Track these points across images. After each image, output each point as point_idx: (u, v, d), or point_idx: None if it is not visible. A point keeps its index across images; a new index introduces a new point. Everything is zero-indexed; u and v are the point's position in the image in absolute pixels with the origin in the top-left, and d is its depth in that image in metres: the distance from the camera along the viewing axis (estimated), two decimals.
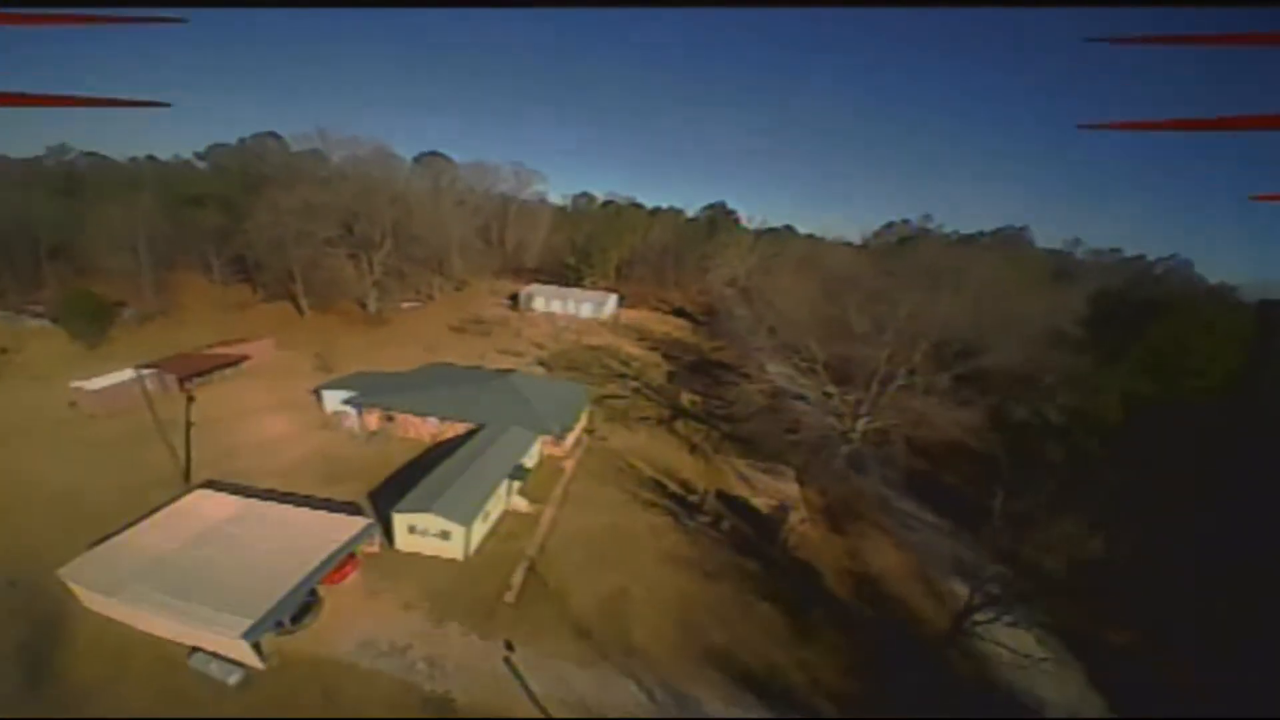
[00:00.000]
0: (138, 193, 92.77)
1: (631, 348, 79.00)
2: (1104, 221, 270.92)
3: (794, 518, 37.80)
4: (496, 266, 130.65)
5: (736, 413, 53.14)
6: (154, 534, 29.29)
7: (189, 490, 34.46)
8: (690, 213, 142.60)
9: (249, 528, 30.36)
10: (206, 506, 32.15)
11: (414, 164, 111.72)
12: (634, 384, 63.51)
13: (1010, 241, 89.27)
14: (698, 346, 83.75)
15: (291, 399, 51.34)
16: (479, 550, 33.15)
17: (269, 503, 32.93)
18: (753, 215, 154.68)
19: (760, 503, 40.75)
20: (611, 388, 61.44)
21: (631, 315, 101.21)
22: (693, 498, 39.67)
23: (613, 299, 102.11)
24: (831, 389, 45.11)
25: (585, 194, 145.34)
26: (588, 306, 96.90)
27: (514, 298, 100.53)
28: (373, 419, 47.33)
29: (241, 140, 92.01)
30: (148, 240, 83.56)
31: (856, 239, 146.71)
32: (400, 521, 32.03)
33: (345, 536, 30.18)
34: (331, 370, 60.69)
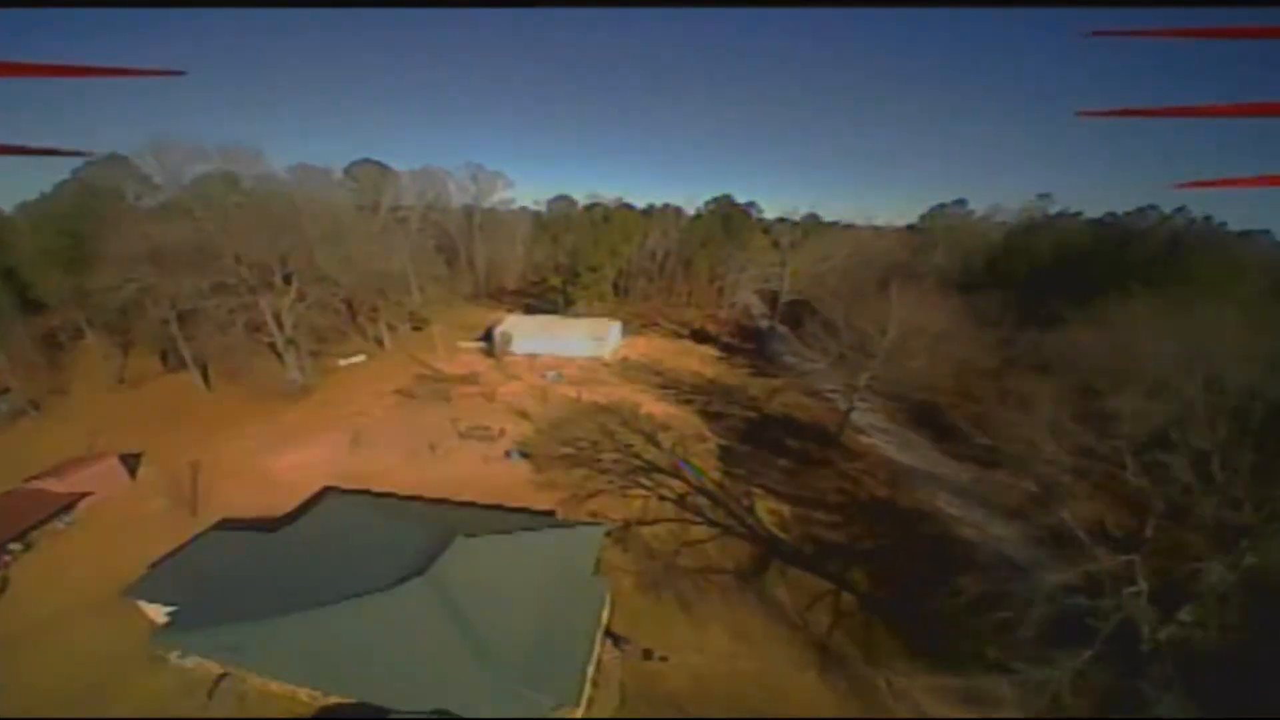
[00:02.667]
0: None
1: (653, 403, 55.59)
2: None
3: None
4: (468, 293, 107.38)
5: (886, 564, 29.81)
6: None
7: None
8: (691, 210, 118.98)
9: None
10: None
11: (345, 176, 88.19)
12: (671, 480, 40.20)
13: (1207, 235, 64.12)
14: (743, 390, 60.33)
15: (111, 595, 28.03)
16: None
17: None
18: (794, 207, 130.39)
19: None
20: (637, 497, 38.14)
21: (642, 347, 77.86)
22: None
23: (615, 328, 78.70)
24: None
25: (563, 197, 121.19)
26: (585, 342, 73.54)
27: (488, 336, 77.15)
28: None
29: (75, 173, 67.09)
30: (19, 305, 62.73)
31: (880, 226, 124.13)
32: None
33: None
34: (195, 509, 37.77)
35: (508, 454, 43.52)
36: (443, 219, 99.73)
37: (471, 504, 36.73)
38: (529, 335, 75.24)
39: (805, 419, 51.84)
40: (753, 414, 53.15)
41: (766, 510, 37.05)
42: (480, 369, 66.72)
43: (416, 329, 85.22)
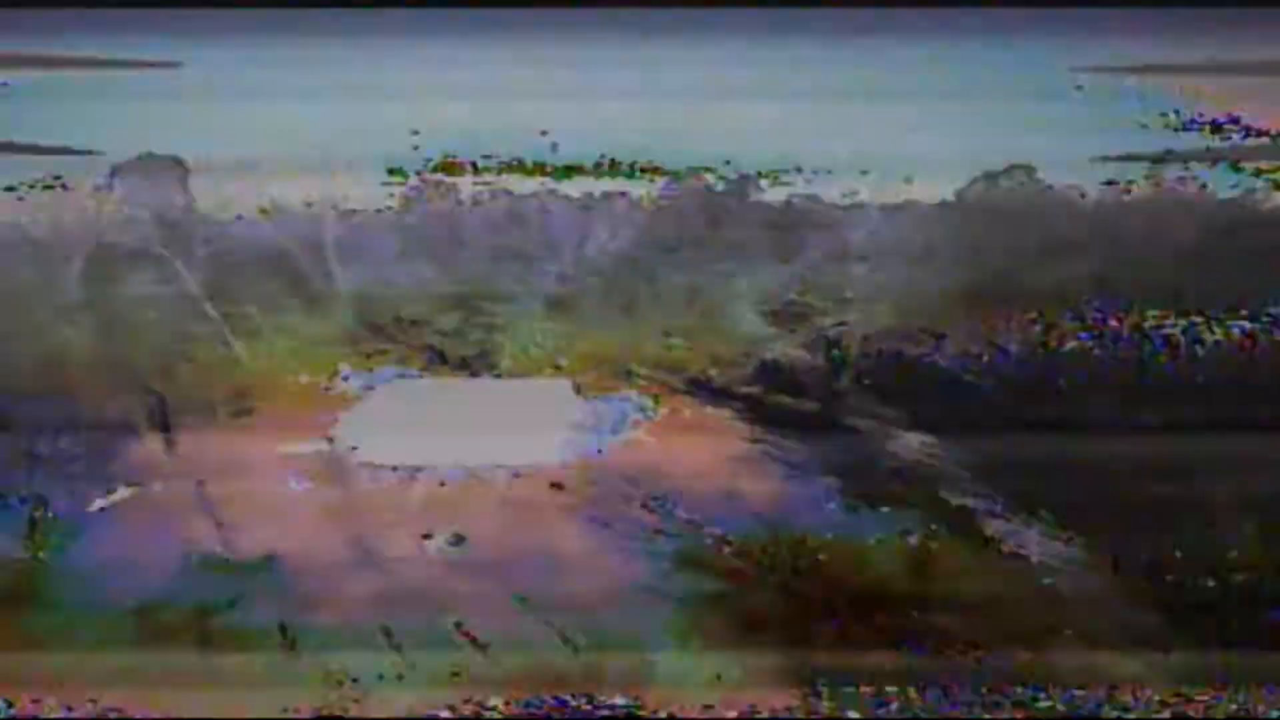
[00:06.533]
0: None
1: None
2: None
3: None
4: (338, 335, 70.65)
5: None
6: None
7: None
8: (651, 190, 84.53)
9: None
10: None
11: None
12: None
13: None
14: (878, 574, 28.31)
15: None
16: None
17: None
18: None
19: None
20: None
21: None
22: None
23: (562, 393, 45.80)
24: None
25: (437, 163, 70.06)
26: (509, 438, 40.11)
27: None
28: None
29: None
30: None
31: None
32: None
33: None
34: None
35: None
36: (273, 229, 63.01)
37: None
38: (404, 427, 41.14)
39: None
40: None
41: None
42: (294, 526, 32.54)
43: (240, 414, 49.37)
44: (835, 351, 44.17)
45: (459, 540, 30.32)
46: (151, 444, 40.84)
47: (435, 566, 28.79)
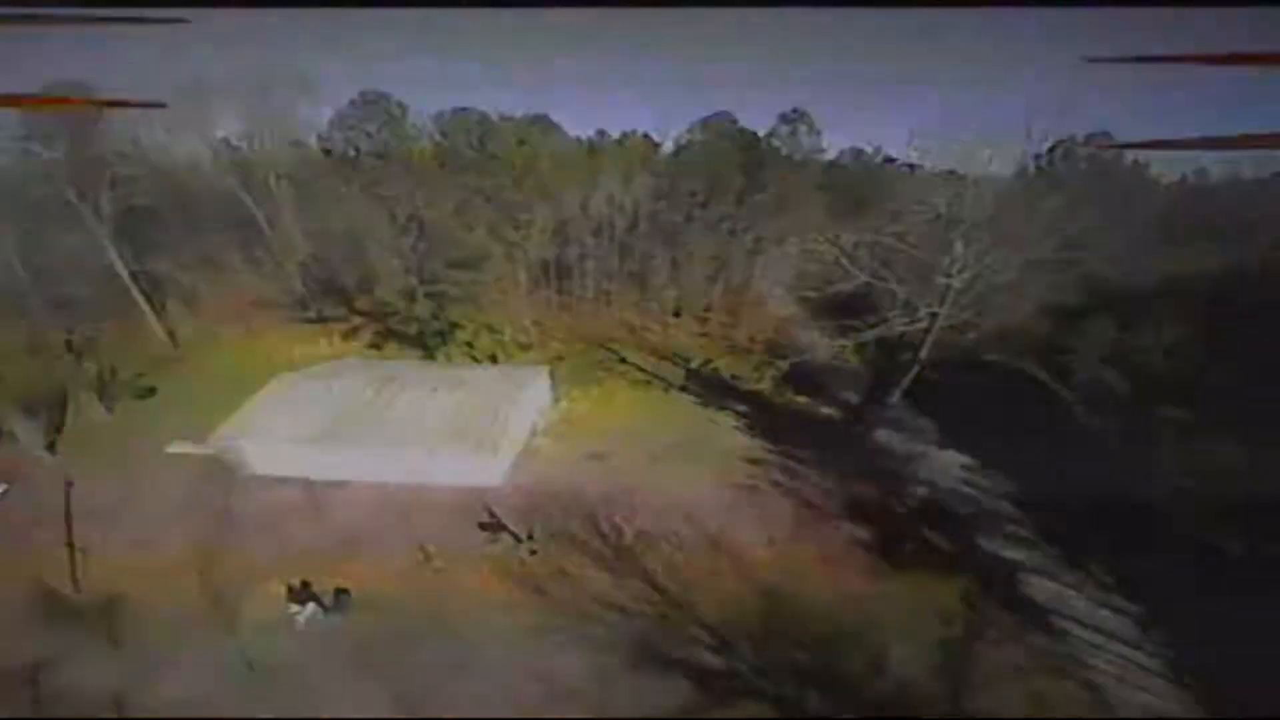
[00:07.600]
0: None
1: None
2: None
3: None
4: (290, 302, 60.05)
5: None
6: None
7: None
8: (670, 140, 68.91)
9: None
10: None
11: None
12: None
13: None
14: None
15: None
16: None
17: None
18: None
19: None
20: None
21: (591, 428, 35.12)
22: None
23: (538, 387, 36.06)
24: None
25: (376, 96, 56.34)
26: (449, 440, 30.71)
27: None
28: None
29: None
30: None
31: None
32: None
33: None
34: None
35: None
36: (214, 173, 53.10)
37: None
38: (316, 424, 31.91)
39: None
40: None
41: None
42: (152, 562, 23.96)
43: (141, 397, 41.07)
44: (903, 358, 32.85)
45: (340, 600, 21.08)
46: (26, 439, 32.80)
47: (303, 639, 19.63)
